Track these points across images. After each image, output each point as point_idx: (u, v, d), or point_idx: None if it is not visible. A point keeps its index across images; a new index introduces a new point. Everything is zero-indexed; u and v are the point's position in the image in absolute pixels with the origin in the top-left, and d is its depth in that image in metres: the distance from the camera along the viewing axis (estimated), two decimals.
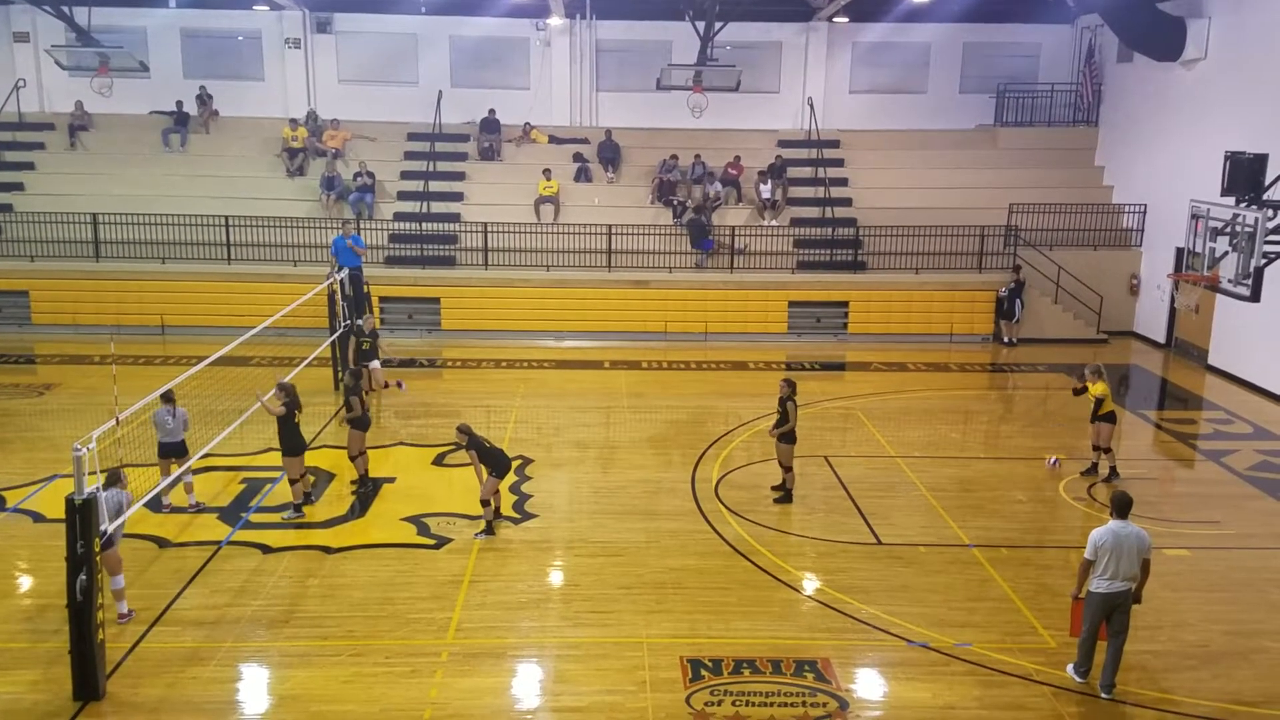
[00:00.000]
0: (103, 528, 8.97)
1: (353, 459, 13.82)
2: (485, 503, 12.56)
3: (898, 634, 10.26)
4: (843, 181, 26.19)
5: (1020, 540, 12.65)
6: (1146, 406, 19.58)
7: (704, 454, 15.58)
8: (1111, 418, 14.47)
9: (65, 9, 20.88)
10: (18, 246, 22.94)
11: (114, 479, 10.15)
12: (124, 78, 22.58)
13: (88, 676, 8.78)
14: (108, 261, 22.85)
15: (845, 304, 23.61)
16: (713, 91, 21.66)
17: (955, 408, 18.65)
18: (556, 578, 11.55)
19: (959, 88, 27.84)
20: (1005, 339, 23.39)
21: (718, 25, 21.08)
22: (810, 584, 11.43)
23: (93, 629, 8.72)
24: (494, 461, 12.55)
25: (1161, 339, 23.49)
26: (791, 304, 23.51)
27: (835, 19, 26.73)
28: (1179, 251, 21.53)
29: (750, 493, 13.95)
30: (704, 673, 9.47)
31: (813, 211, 25.39)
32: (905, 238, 23.90)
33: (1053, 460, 15.19)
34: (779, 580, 11.45)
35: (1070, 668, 9.56)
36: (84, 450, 8.70)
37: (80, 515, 8.61)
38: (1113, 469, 14.68)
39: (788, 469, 13.67)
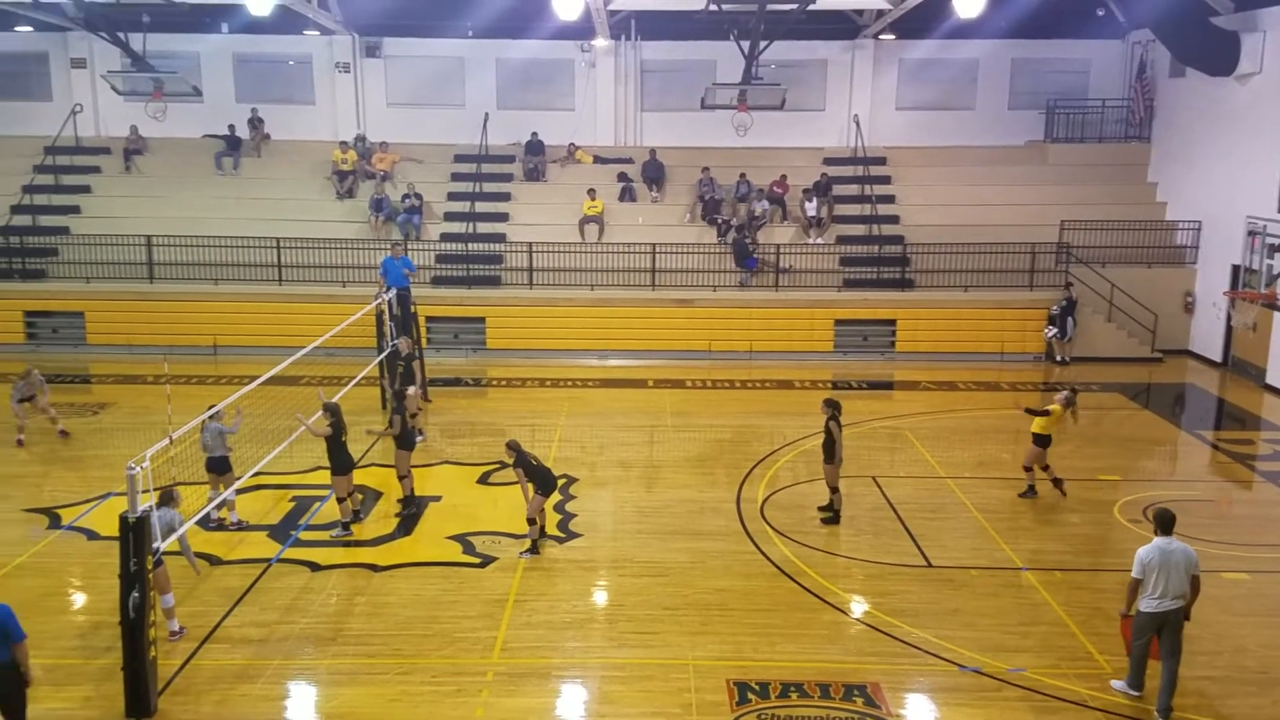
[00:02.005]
0: (155, 545, 9.08)
1: (400, 479, 13.90)
2: (531, 521, 12.56)
3: (949, 658, 10.08)
4: (889, 198, 26.01)
5: (1074, 563, 12.39)
6: (1203, 427, 19.15)
7: (749, 474, 15.47)
8: (1044, 441, 14.27)
9: (121, 35, 21.39)
10: (74, 268, 23.46)
11: (167, 498, 10.30)
12: (178, 102, 23.03)
13: (140, 693, 8.88)
14: (161, 283, 23.30)
15: (893, 322, 23.39)
16: (757, 110, 21.63)
17: (1006, 427, 18.36)
18: (601, 598, 11.50)
19: (1008, 104, 27.56)
20: (1058, 357, 23.02)
21: (762, 44, 21.07)
22: (858, 606, 11.27)
23: (145, 646, 8.83)
24: (540, 479, 12.56)
25: (1218, 358, 22.98)
26: (838, 322, 23.34)
27: (881, 36, 26.63)
28: (1235, 268, 21.21)
29: (796, 513, 13.82)
30: (751, 696, 9.36)
31: (859, 229, 25.24)
32: (954, 255, 23.66)
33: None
34: (826, 602, 11.31)
35: (1120, 684, 9.34)
36: (138, 469, 8.83)
37: (134, 533, 8.73)
38: (1031, 488, 14.53)
39: (834, 490, 13.52)
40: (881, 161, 26.97)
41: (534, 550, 12.41)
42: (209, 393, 17.86)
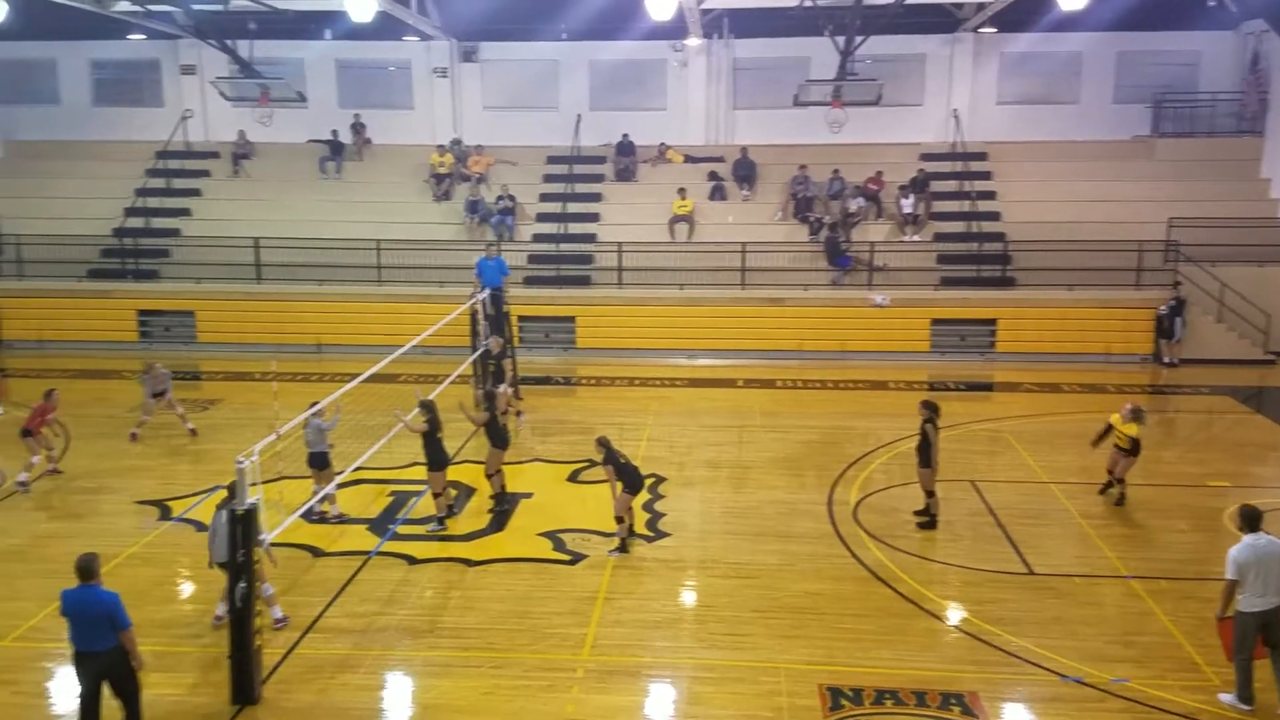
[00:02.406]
0: (262, 538, 9.37)
1: (488, 476, 14.10)
2: (619, 519, 12.62)
3: (1050, 668, 9.79)
4: (990, 195, 25.42)
5: (1181, 571, 11.93)
6: None
7: (841, 476, 15.28)
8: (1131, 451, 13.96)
9: (229, 42, 22.17)
10: (185, 269, 24.39)
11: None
12: (283, 108, 23.80)
13: (245, 681, 9.17)
14: (268, 283, 24.07)
15: (993, 322, 22.85)
16: (852, 106, 21.35)
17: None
18: (690, 598, 11.49)
19: (1112, 97, 26.69)
20: (1166, 359, 22.19)
21: (858, 40, 20.79)
22: (955, 614, 11.03)
23: (250, 635, 9.12)
24: (628, 478, 12.60)
25: None
26: (935, 322, 22.90)
27: (982, 29, 26.02)
28: None
29: (891, 517, 13.59)
30: (844, 702, 9.23)
31: (958, 226, 24.72)
32: (1057, 253, 22.99)
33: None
34: (922, 609, 11.09)
35: (1228, 697, 8.96)
36: (246, 463, 9.13)
37: (242, 525, 9.02)
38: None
39: (930, 494, 13.26)
40: (982, 157, 26.37)
41: (622, 549, 12.47)
42: (313, 390, 18.37)
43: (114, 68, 28.58)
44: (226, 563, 9.49)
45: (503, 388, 16.32)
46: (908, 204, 24.53)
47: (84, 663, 8.13)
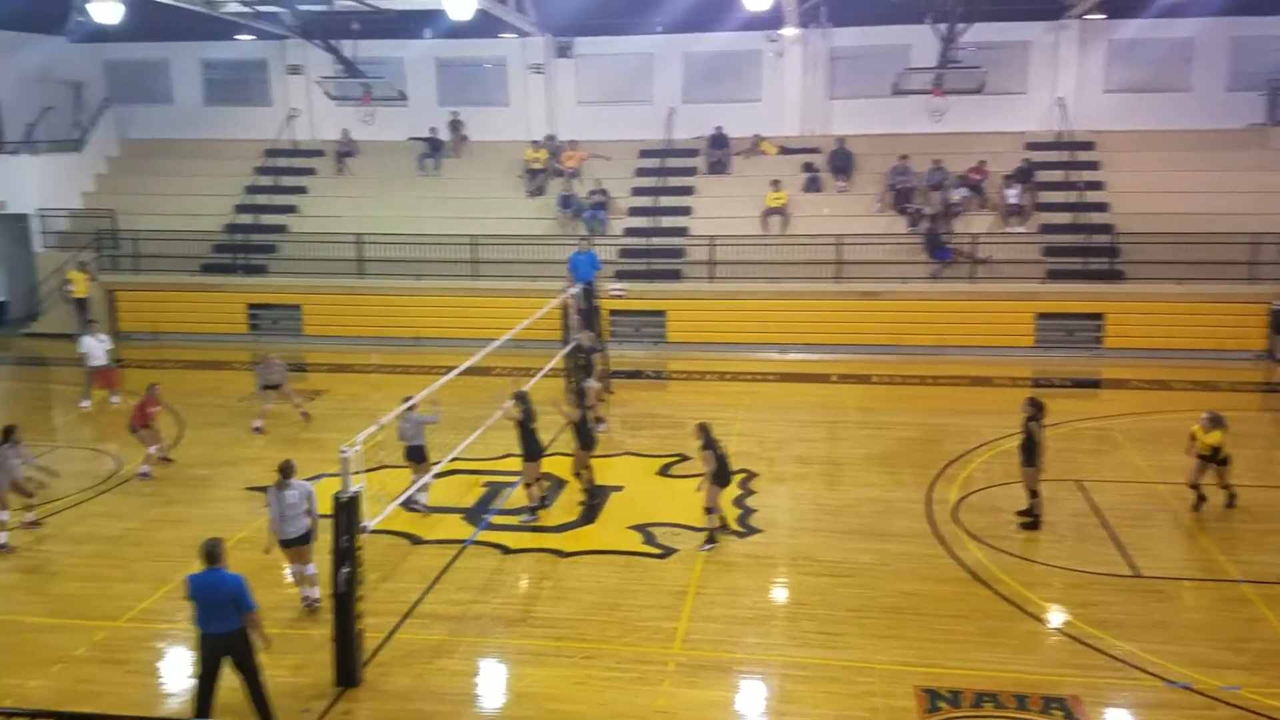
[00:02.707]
0: (365, 525, 9.61)
1: (575, 474, 14.12)
2: (709, 510, 12.55)
3: (1155, 673, 9.46)
4: (1098, 185, 24.57)
5: None
6: None
7: (940, 474, 14.97)
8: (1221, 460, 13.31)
9: (334, 42, 22.72)
10: (291, 264, 25.15)
11: (287, 472, 10.92)
12: (385, 106, 24.36)
13: (348, 664, 9.44)
14: (370, 278, 24.67)
15: (1100, 316, 22.13)
16: (954, 94, 20.88)
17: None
18: (781, 595, 11.41)
19: (1226, 84, 25.46)
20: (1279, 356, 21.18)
21: (960, 27, 20.30)
22: (1057, 616, 10.73)
23: (353, 619, 9.37)
24: (720, 468, 12.52)
25: None
26: (1039, 316, 22.27)
27: (1088, 15, 25.14)
28: None
29: (992, 517, 13.27)
30: (941, 704, 9.06)
31: (1064, 217, 23.97)
32: (1167, 245, 22.10)
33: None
34: (1023, 611, 10.82)
35: None
36: (350, 452, 9.38)
37: (346, 511, 9.27)
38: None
39: (1034, 494, 12.89)
40: (1089, 146, 25.50)
41: (712, 541, 12.43)
42: (411, 382, 18.76)
43: (224, 68, 29.57)
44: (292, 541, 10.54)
45: (591, 383, 16.41)
46: (1012, 194, 23.89)
47: (208, 644, 8.40)
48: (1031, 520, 12.87)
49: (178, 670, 10.05)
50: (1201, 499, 13.36)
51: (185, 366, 22.24)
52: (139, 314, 25.10)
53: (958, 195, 24.09)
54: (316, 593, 10.95)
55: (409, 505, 13.06)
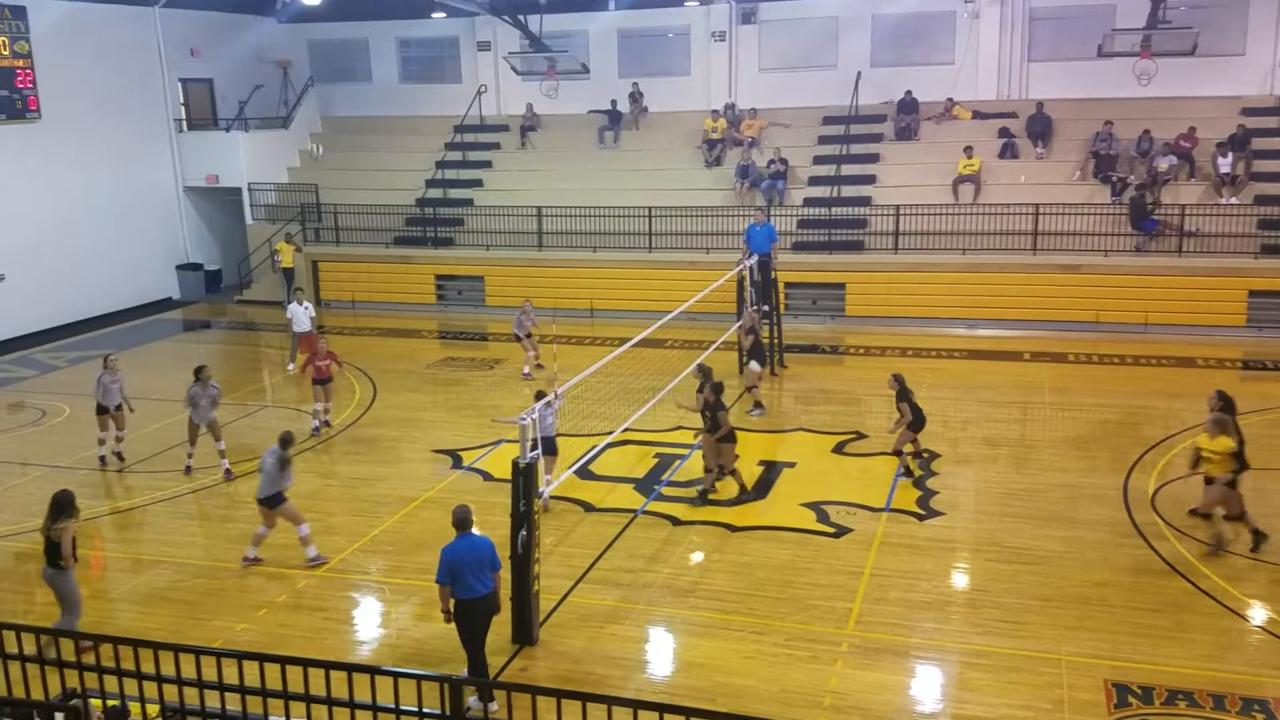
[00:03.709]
0: (540, 490, 9.84)
1: (730, 471, 13.22)
2: (898, 452, 13.59)
3: None
4: None
5: None
6: None
7: (1139, 460, 14.07)
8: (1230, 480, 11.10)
9: (521, 18, 23.19)
10: (476, 236, 25.99)
11: (286, 442, 11.47)
12: (567, 80, 24.74)
13: (524, 623, 9.74)
14: (549, 250, 25.22)
15: None
16: (1162, 57, 19.45)
17: None
18: (962, 580, 11.02)
19: None
20: None
21: None
22: (1262, 613, 9.97)
23: (530, 580, 9.65)
24: (916, 417, 13.38)
25: None
26: (1253, 293, 20.56)
27: None
28: None
29: (1193, 505, 12.36)
30: (1132, 700, 8.56)
31: None
32: None
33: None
34: (1224, 606, 10.09)
35: None
36: (528, 419, 9.62)
37: (524, 477, 9.52)
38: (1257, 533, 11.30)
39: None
40: None
41: (908, 473, 13.52)
42: (587, 353, 19.11)
43: (418, 46, 30.77)
44: (265, 500, 11.25)
45: (754, 364, 16.23)
46: (1225, 163, 22.07)
47: (472, 608, 8.64)
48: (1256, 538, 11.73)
49: (371, 619, 10.64)
50: (1219, 543, 11.34)
51: (379, 335, 23.39)
52: (338, 283, 26.53)
53: (1165, 164, 22.44)
54: (313, 550, 11.54)
55: (585, 475, 13.27)
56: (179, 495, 13.90)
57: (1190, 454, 11.67)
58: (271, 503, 11.45)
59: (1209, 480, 11.46)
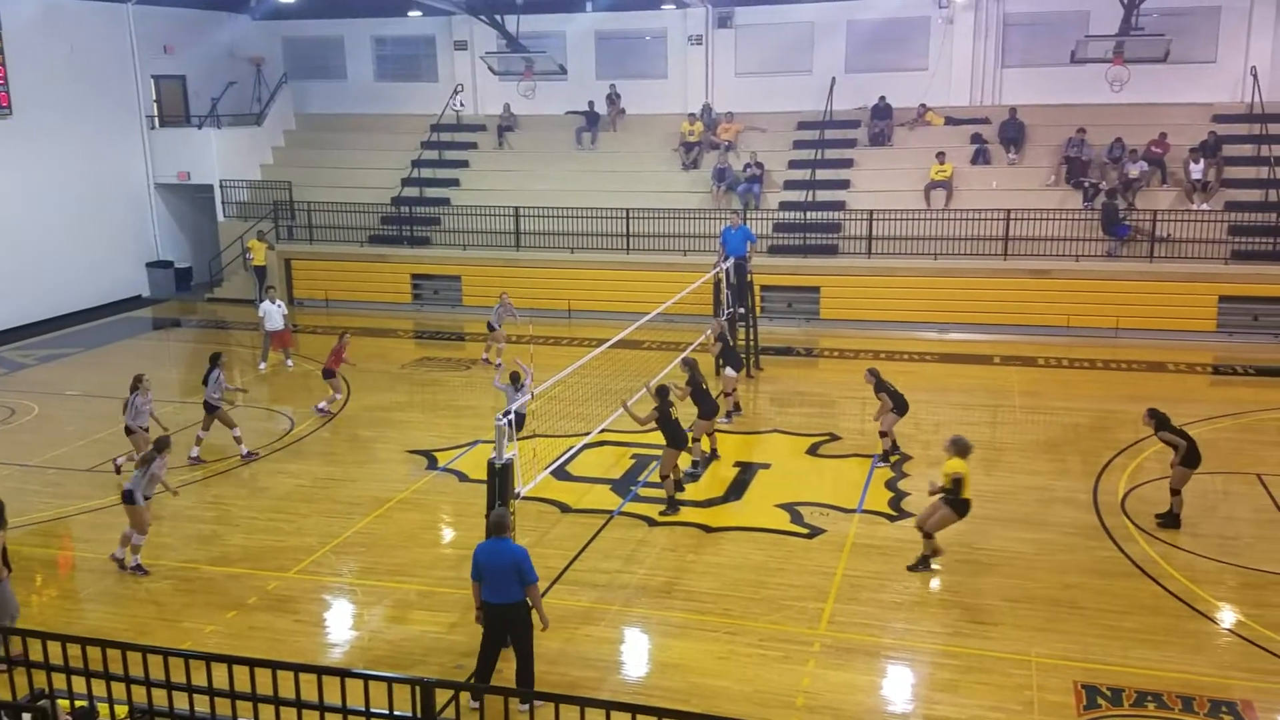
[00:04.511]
0: (518, 491, 9.82)
1: (662, 478, 12.96)
2: (883, 434, 14.32)
3: None
4: None
5: None
6: None
7: (1109, 463, 14.22)
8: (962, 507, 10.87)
9: (498, 18, 23.12)
10: (453, 236, 25.89)
11: (162, 445, 11.50)
12: (545, 80, 24.70)
13: None
14: (525, 250, 25.16)
15: None
16: (1135, 63, 19.67)
17: None
18: (933, 582, 11.09)
19: None
20: None
21: None
22: (1230, 616, 10.10)
23: None
24: (899, 403, 14.20)
25: None
26: (1223, 299, 20.83)
27: None
28: None
29: (1162, 509, 12.47)
30: (1101, 701, 8.65)
31: (1253, 194, 22.31)
32: None
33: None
34: (1193, 609, 10.21)
35: None
36: (504, 420, 9.60)
37: (500, 478, 9.49)
38: None
39: (1175, 493, 12.08)
40: None
41: (884, 460, 14.15)
42: (565, 353, 19.08)
43: (394, 44, 30.61)
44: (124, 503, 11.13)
45: (729, 370, 16.32)
46: (1197, 169, 22.36)
47: (492, 613, 8.54)
48: (1172, 518, 12.09)
49: (343, 621, 10.58)
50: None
51: (353, 334, 23.18)
52: (312, 282, 26.35)
53: (1137, 170, 22.71)
54: (120, 552, 11.43)
55: (562, 475, 13.28)
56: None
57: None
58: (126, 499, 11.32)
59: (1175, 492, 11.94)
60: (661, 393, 13.04)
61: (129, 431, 14.01)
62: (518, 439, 9.96)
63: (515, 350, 19.67)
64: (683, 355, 15.10)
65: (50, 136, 24.22)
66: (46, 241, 24.13)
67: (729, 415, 16.41)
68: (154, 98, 27.82)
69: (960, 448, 10.90)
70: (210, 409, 14.87)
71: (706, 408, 14.18)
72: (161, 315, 26.00)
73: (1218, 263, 21.16)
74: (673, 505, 12.91)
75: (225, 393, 15.15)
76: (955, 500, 10.87)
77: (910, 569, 11.09)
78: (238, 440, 14.98)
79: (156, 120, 27.84)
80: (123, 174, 26.67)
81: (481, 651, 8.71)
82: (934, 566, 11.10)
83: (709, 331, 17.44)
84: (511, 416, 9.64)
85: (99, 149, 25.79)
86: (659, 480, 13.11)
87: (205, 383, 14.83)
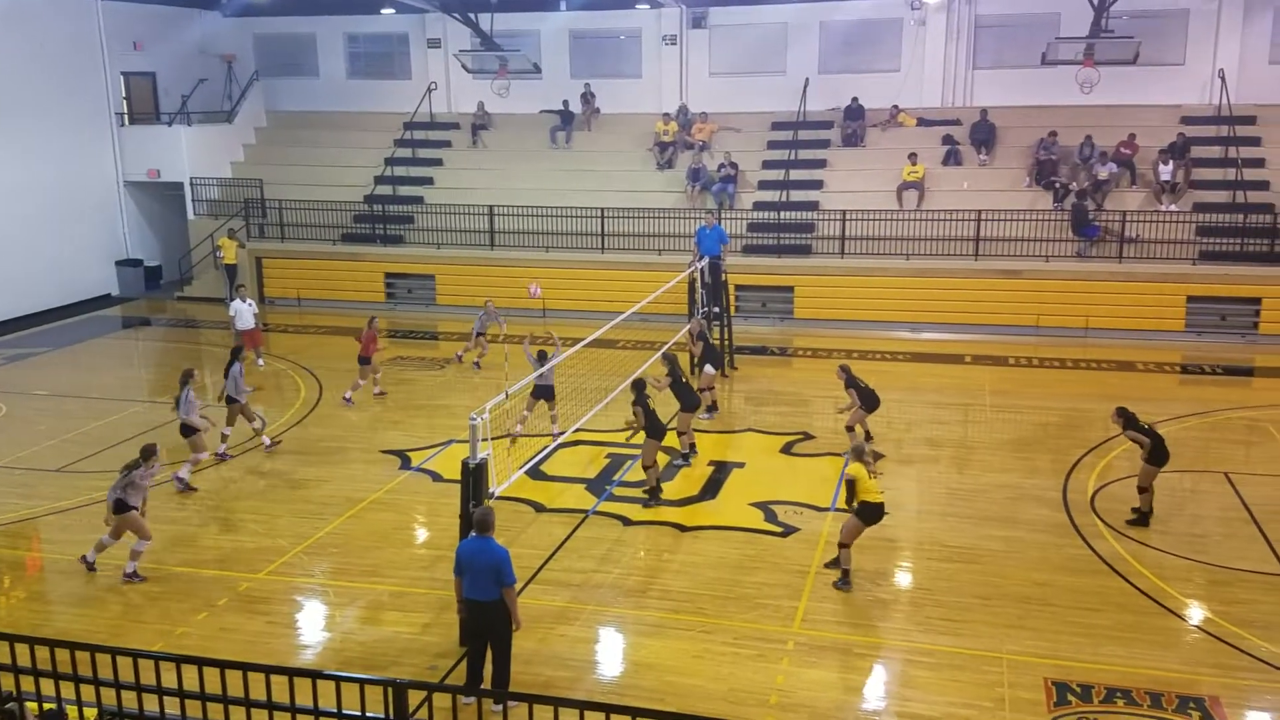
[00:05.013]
0: (493, 491, 9.80)
1: (646, 468, 13.22)
2: (850, 429, 14.33)
3: None
4: (1259, 162, 23.05)
5: None
6: None
7: (1079, 461, 14.37)
8: (865, 511, 10.70)
9: (472, 16, 23.04)
10: (427, 235, 25.77)
11: (148, 453, 11.22)
12: (519, 79, 24.64)
13: None
14: (500, 249, 25.09)
15: (1258, 300, 20.81)
16: (1105, 65, 19.87)
17: None
18: (905, 579, 11.17)
19: None
20: None
21: None
22: (1198, 613, 10.22)
23: None
24: (867, 399, 14.32)
25: None
26: (1191, 299, 21.10)
27: None
28: None
29: (1133, 506, 12.65)
30: (1071, 698, 8.74)
31: (1221, 195, 22.60)
32: None
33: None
34: (1162, 606, 10.34)
35: None
36: (478, 419, 9.57)
37: (473, 477, 9.46)
38: None
39: (1144, 490, 12.24)
40: (1250, 121, 23.93)
41: (860, 454, 12.86)
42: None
43: (367, 42, 30.44)
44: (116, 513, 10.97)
45: (708, 368, 16.39)
46: (1165, 170, 22.63)
47: (473, 610, 8.58)
48: (1141, 517, 12.25)
49: (315, 623, 10.51)
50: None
51: (326, 332, 23.10)
52: (283, 280, 26.15)
53: (1106, 171, 22.96)
54: (131, 566, 11.21)
55: (536, 475, 13.22)
56: None
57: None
58: (118, 509, 11.13)
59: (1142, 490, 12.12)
60: (638, 386, 13.12)
61: (189, 431, 13.74)
62: (523, 428, 9.93)
63: (496, 349, 19.69)
64: (662, 350, 15.10)
65: (18, 133, 23.92)
66: (14, 239, 23.81)
67: (709, 412, 16.46)
68: (124, 95, 27.52)
69: (856, 452, 11.01)
70: (231, 401, 14.86)
71: (688, 401, 14.31)
72: (131, 314, 25.72)
73: (1186, 263, 21.42)
74: (655, 495, 13.01)
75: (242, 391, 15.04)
76: (860, 507, 10.66)
77: (835, 586, 10.78)
78: (257, 431, 15.17)
79: (126, 117, 27.54)
80: (92, 171, 26.35)
81: (469, 654, 8.70)
82: (847, 584, 10.78)
83: (688, 329, 17.48)
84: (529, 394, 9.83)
85: (67, 146, 25.48)
86: (642, 472, 13.26)
87: (176, 405, 13.74)
